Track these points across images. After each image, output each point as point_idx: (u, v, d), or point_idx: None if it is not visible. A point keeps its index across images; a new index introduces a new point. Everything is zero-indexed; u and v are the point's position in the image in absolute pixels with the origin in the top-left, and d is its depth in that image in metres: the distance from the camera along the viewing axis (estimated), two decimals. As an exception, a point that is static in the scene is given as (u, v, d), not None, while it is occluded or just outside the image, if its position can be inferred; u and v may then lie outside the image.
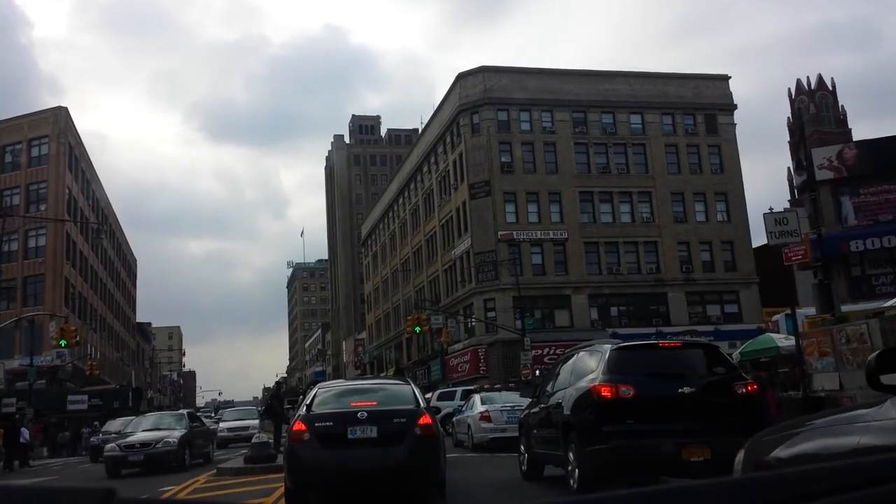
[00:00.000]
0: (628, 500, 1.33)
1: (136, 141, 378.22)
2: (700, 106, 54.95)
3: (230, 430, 33.24)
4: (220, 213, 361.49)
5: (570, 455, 9.72)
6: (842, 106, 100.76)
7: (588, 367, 10.36)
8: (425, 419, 9.57)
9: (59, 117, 52.70)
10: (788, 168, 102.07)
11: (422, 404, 10.15)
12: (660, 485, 1.41)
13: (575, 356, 11.20)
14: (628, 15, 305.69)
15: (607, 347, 10.28)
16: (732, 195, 54.26)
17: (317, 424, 9.37)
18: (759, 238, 58.74)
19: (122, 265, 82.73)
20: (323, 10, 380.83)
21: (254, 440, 15.70)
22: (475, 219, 51.19)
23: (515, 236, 49.91)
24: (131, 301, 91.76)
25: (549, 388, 11.56)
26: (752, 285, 51.95)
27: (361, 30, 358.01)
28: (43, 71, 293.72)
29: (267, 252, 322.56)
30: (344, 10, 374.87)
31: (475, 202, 51.27)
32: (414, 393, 10.52)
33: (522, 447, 12.38)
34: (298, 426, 9.50)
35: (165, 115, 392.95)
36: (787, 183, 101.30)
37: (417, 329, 39.22)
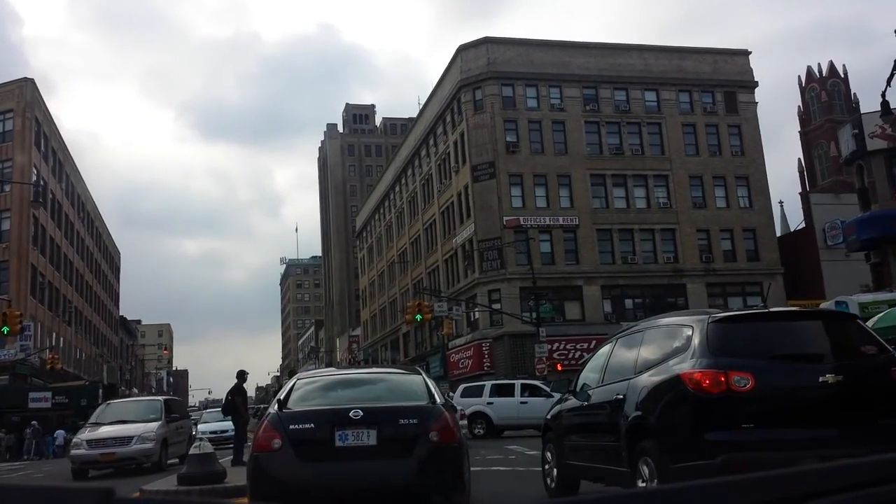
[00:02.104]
0: (629, 500, 1.38)
1: (129, 139, 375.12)
2: (719, 82, 51.36)
3: (96, 443, 17.19)
4: (213, 212, 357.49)
5: (644, 470, 6.76)
6: (854, 94, 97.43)
7: (664, 347, 7.04)
8: (444, 420, 7.09)
9: (25, 90, 48.30)
10: (799, 159, 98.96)
11: (438, 400, 7.44)
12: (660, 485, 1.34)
13: (639, 333, 7.86)
14: (627, 16, 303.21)
15: (700, 318, 6.78)
16: (754, 179, 50.67)
17: (292, 427, 6.96)
18: (781, 227, 55.41)
19: (103, 257, 78.77)
20: (316, 9, 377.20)
21: (192, 451, 11.59)
22: (478, 204, 47.45)
23: (522, 222, 46.20)
24: (114, 295, 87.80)
25: (590, 380, 8.38)
26: (777, 276, 48.43)
27: (354, 28, 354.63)
28: (34, 68, 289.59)
29: (260, 251, 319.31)
30: (337, 8, 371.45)
31: (478, 186, 47.53)
32: (427, 385, 7.81)
33: (550, 455, 9.43)
34: (267, 430, 7.04)
35: (158, 113, 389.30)
36: (797, 175, 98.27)
37: (419, 317, 35.26)
